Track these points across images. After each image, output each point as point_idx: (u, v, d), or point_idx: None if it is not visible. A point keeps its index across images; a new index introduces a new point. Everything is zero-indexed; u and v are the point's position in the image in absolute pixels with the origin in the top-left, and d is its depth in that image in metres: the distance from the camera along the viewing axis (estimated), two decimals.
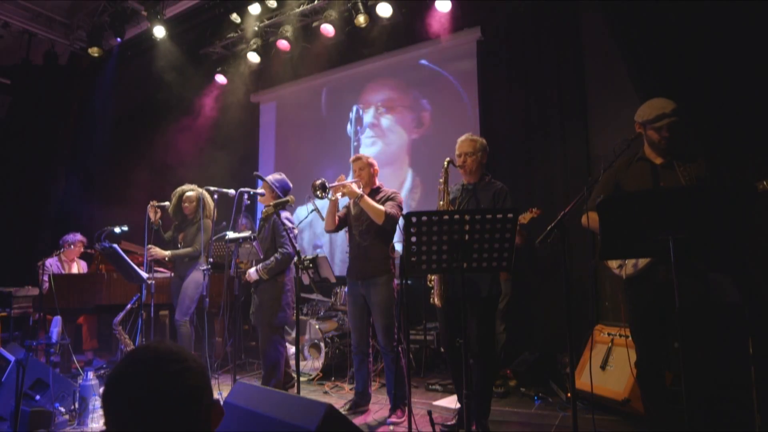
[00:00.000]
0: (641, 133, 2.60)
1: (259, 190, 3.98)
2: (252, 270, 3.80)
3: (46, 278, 4.82)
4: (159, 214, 4.56)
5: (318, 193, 3.43)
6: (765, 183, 2.38)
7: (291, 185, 3.99)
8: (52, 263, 5.42)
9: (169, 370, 0.93)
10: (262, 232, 3.94)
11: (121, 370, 0.94)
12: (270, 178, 3.92)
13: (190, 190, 4.68)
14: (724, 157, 3.23)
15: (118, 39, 6.18)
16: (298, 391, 3.15)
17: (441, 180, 3.02)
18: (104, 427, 0.93)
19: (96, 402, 3.35)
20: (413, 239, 2.22)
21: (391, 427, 3.32)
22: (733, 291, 3.14)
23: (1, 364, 3.36)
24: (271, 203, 3.56)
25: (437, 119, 5.75)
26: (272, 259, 3.76)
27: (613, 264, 2.66)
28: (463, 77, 5.63)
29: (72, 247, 5.56)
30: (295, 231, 3.92)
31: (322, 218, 3.69)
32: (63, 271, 5.43)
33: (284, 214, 3.82)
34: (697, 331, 2.37)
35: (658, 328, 2.49)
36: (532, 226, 4.75)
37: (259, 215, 6.51)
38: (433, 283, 3.00)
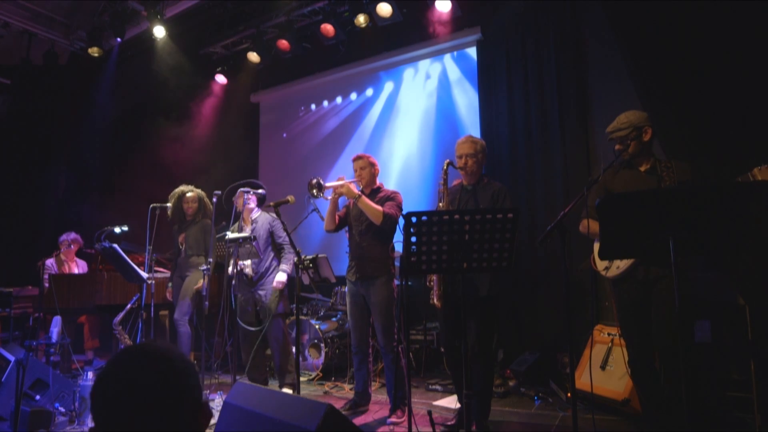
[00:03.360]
0: (640, 133, 2.69)
1: (260, 193, 4.04)
2: (282, 276, 4.04)
3: (46, 277, 4.82)
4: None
5: (314, 191, 3.43)
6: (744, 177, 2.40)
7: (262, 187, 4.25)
8: (51, 263, 5.42)
9: (154, 370, 0.94)
10: (253, 232, 4.08)
11: (109, 369, 0.95)
12: (247, 196, 4.11)
13: (189, 191, 4.69)
14: (723, 157, 3.23)
15: (118, 39, 6.17)
16: (298, 391, 3.16)
17: (441, 182, 3.03)
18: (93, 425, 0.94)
19: None
20: (413, 239, 2.22)
21: (391, 427, 3.32)
22: (733, 290, 3.14)
23: (1, 364, 3.36)
24: (272, 203, 3.56)
25: (437, 119, 5.75)
26: (287, 255, 4.09)
27: (600, 266, 2.76)
28: (462, 77, 5.63)
29: (71, 246, 5.56)
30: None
31: (322, 218, 3.69)
32: (59, 271, 5.43)
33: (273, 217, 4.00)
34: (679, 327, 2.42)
35: (644, 325, 2.59)
36: (532, 226, 4.76)
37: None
38: (432, 283, 3.01)
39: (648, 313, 2.56)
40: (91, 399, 0.94)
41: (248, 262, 4.04)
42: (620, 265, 2.64)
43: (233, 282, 4.07)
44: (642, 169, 2.68)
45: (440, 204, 3.03)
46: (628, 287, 2.62)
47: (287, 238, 3.84)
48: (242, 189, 4.07)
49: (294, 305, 3.54)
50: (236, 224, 4.18)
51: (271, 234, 4.14)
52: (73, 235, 5.60)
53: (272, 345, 4.05)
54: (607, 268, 2.71)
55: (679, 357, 2.37)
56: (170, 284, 4.82)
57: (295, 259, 3.29)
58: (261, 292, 4.04)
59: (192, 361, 1.03)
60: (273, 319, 3.97)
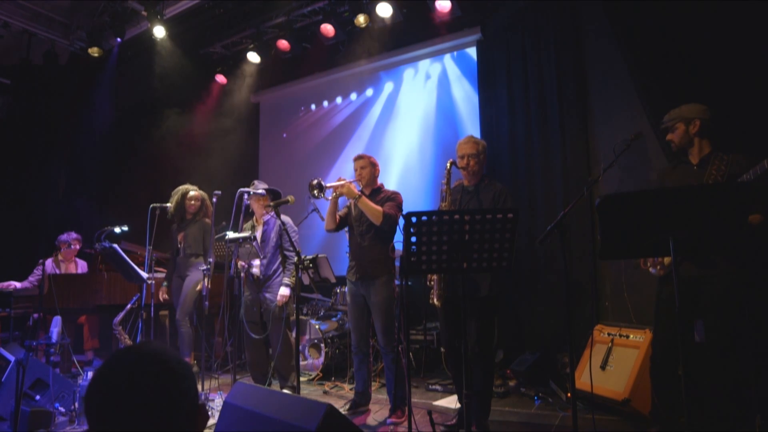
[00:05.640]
0: (640, 133, 2.80)
1: (260, 191, 4.01)
2: (285, 290, 3.92)
3: (37, 275, 4.81)
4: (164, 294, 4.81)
5: (315, 192, 3.43)
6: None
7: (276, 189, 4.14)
8: (49, 264, 5.41)
9: (149, 371, 0.93)
10: (265, 233, 4.01)
11: (103, 370, 0.94)
12: (256, 189, 4.03)
13: (193, 190, 4.72)
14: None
15: (118, 39, 6.17)
16: (298, 391, 3.16)
17: (444, 182, 3.03)
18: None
19: None
20: (413, 239, 2.22)
21: (392, 427, 3.32)
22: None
23: (1, 364, 3.36)
24: (272, 203, 3.56)
25: (437, 120, 5.75)
26: (290, 267, 3.96)
27: (648, 264, 2.80)
28: (462, 77, 5.63)
29: (71, 246, 5.56)
30: (296, 236, 4.06)
31: (322, 218, 3.70)
32: (58, 272, 5.43)
33: (286, 218, 3.89)
34: (720, 326, 2.45)
35: (674, 325, 2.56)
36: (532, 226, 4.75)
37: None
38: (432, 283, 3.00)
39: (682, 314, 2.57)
40: (85, 401, 0.93)
41: (256, 262, 4.00)
42: (663, 261, 2.67)
43: (242, 277, 4.04)
44: (694, 162, 2.69)
45: (443, 204, 3.02)
46: (667, 285, 2.63)
47: (292, 248, 3.80)
48: (259, 192, 4.05)
49: (295, 305, 3.52)
50: (249, 222, 4.19)
51: (280, 237, 4.07)
52: (74, 235, 5.60)
53: (276, 350, 4.00)
54: (654, 267, 2.76)
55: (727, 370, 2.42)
56: (165, 284, 4.81)
57: (295, 259, 3.28)
58: (267, 295, 3.99)
59: (188, 363, 1.02)
60: (276, 325, 3.89)
